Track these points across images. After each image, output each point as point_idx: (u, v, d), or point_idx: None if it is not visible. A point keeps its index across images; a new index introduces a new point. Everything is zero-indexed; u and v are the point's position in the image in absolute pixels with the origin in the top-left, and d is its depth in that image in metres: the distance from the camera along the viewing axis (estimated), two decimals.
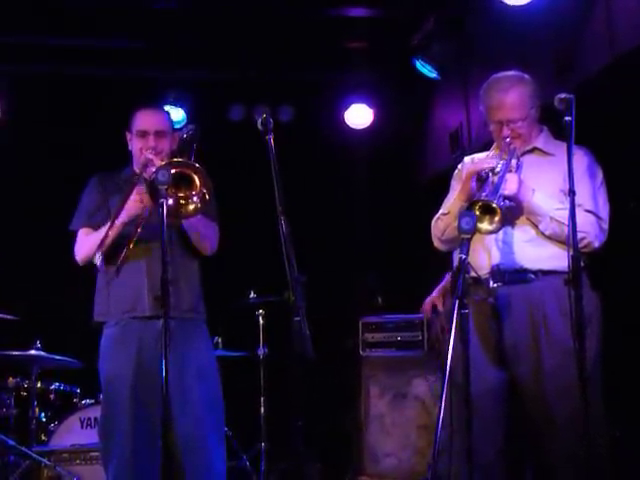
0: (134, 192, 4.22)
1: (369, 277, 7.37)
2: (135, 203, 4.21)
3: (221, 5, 6.42)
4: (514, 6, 5.42)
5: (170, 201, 3.97)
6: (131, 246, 4.25)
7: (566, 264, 3.66)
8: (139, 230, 4.23)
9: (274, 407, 6.60)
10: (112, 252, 4.29)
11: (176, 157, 4.36)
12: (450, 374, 3.54)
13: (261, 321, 6.63)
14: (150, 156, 4.33)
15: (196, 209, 4.18)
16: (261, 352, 6.63)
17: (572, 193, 3.65)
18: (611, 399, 4.02)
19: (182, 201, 4.14)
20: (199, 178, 4.12)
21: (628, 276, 4.96)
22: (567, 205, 3.70)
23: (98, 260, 4.08)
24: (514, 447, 4.12)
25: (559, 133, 3.97)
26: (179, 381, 4.15)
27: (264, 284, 6.22)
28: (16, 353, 6.16)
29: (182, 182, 4.11)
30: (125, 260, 4.27)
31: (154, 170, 4.01)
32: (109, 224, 4.21)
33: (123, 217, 4.23)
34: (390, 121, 7.46)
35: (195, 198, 4.14)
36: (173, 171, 4.00)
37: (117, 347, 4.45)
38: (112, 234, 4.23)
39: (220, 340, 6.13)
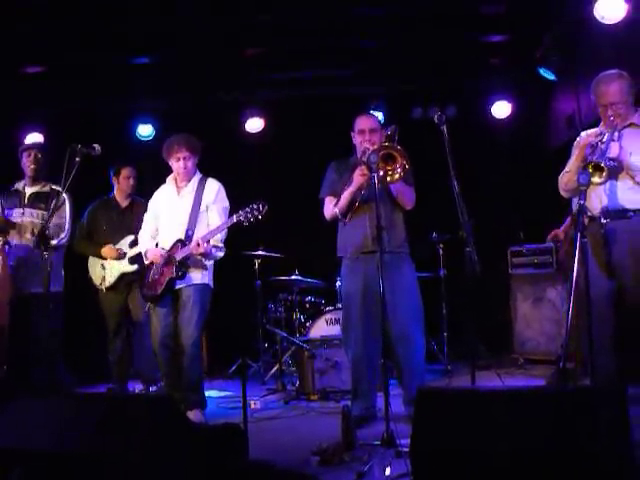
0: (357, 170, 4.26)
1: (513, 219, 7.21)
2: (359, 177, 4.24)
3: (407, 45, 6.42)
4: (609, 23, 5.15)
5: (380, 172, 3.99)
6: (357, 204, 4.34)
7: None
8: (362, 193, 4.28)
9: (451, 309, 6.57)
10: (346, 210, 4.39)
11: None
12: (576, 283, 3.51)
13: (441, 252, 6.61)
14: (367, 145, 4.35)
15: (399, 177, 4.16)
16: (442, 273, 6.61)
17: None
18: None
19: (389, 172, 4.13)
20: (400, 156, 4.11)
21: None
22: None
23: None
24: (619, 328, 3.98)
25: None
26: (392, 295, 4.13)
27: (442, 226, 6.21)
28: (283, 278, 6.40)
29: (388, 159, 4.11)
30: (353, 215, 4.36)
31: (369, 153, 4.05)
32: (344, 192, 4.31)
33: (353, 186, 4.29)
34: (524, 111, 7.26)
35: (398, 169, 4.13)
36: (381, 153, 4.03)
37: (351, 273, 4.52)
38: (346, 198, 4.34)
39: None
